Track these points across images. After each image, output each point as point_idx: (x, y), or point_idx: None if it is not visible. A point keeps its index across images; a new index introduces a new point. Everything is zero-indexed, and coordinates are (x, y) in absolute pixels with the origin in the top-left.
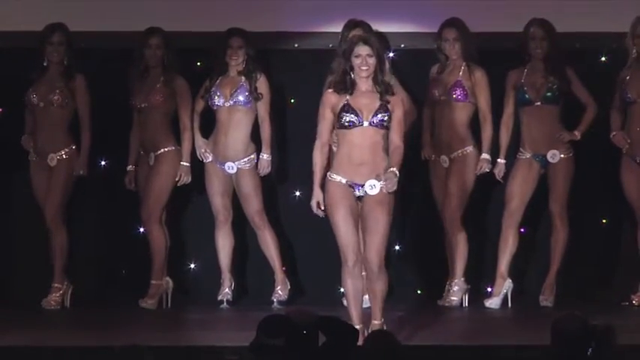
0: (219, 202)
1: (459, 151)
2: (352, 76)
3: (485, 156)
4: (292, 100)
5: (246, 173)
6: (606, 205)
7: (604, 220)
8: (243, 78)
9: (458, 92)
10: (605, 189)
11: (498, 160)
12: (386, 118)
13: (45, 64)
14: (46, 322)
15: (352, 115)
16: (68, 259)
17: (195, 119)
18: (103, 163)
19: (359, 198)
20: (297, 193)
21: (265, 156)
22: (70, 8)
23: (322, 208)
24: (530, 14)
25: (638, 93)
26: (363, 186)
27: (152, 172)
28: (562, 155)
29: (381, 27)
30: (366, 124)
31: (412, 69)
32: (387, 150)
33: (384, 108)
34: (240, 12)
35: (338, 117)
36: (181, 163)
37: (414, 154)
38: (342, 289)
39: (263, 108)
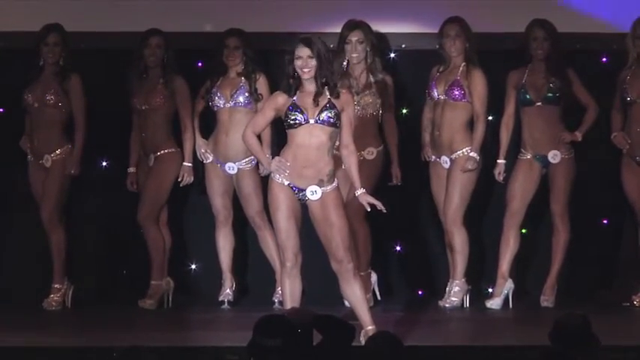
0: (219, 202)
1: (460, 151)
2: (296, 77)
3: (472, 154)
4: None
5: (246, 174)
6: (607, 205)
7: (605, 221)
8: (243, 79)
9: (455, 92)
10: (605, 189)
11: (498, 160)
12: (333, 115)
13: (41, 64)
14: (46, 322)
15: (298, 113)
16: (67, 258)
17: (195, 119)
18: (104, 163)
19: (301, 200)
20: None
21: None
22: (69, 8)
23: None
24: (531, 14)
25: (638, 93)
26: (304, 190)
27: (151, 172)
28: (563, 156)
29: (381, 27)
30: (312, 121)
31: (413, 69)
32: (332, 158)
33: (330, 105)
34: (241, 12)
35: (285, 117)
36: (184, 163)
37: (414, 154)
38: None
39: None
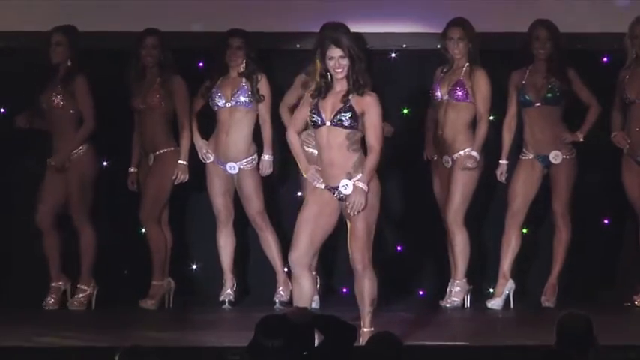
0: (220, 202)
1: (462, 151)
2: (328, 78)
3: (473, 153)
4: None
5: (247, 174)
6: (608, 205)
7: (606, 221)
8: (244, 79)
9: (459, 92)
10: (606, 189)
11: (500, 161)
12: (347, 118)
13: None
14: (46, 322)
15: (316, 115)
16: (94, 260)
17: (194, 119)
18: (104, 163)
19: (341, 199)
20: (299, 194)
21: (267, 157)
22: (70, 8)
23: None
24: (532, 15)
25: (637, 93)
26: (337, 188)
27: (151, 172)
28: (564, 156)
29: (382, 27)
30: (328, 123)
31: (414, 69)
32: (359, 150)
33: (347, 107)
34: (242, 12)
35: (309, 117)
36: (179, 161)
37: (415, 154)
38: (344, 290)
39: (264, 109)
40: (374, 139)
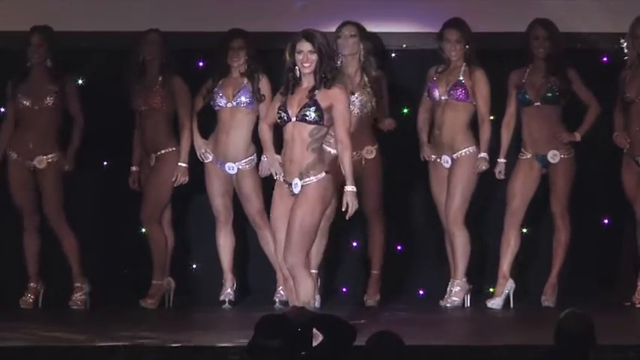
0: (219, 202)
1: (462, 151)
2: (296, 73)
3: (483, 155)
4: None
5: (246, 174)
6: (608, 205)
7: (605, 220)
8: (245, 79)
9: (459, 92)
10: (606, 189)
11: (499, 159)
12: (312, 112)
13: (29, 65)
14: (46, 321)
15: (282, 112)
16: (82, 257)
17: (194, 119)
18: (105, 163)
19: (293, 195)
20: None
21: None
22: (69, 8)
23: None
24: (532, 14)
25: (637, 93)
26: (291, 184)
27: (152, 172)
28: (563, 155)
29: (382, 27)
30: (293, 119)
31: (413, 69)
32: (317, 151)
33: (311, 102)
34: (242, 12)
35: (277, 115)
36: (179, 163)
37: (415, 154)
38: (344, 289)
39: (265, 109)
40: (343, 132)
